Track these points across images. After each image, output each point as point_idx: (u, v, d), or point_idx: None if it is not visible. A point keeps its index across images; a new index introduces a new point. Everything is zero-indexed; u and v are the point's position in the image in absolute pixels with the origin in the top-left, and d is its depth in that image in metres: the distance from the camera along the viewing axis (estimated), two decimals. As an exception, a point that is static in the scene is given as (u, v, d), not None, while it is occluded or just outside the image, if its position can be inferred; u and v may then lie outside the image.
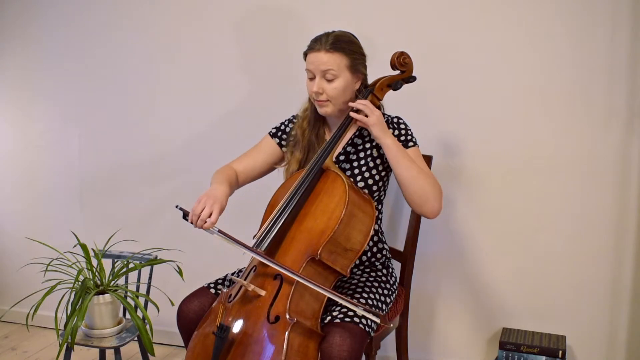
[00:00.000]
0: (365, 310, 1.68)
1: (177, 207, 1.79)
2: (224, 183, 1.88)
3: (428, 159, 2.18)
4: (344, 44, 1.86)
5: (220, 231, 1.75)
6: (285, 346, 1.57)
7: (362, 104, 1.83)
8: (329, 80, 1.86)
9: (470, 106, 2.35)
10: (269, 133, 2.09)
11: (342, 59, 1.85)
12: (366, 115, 1.82)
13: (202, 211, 1.75)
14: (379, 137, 1.81)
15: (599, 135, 2.23)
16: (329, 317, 1.72)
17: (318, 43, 1.86)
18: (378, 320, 1.67)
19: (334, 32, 1.89)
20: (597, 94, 2.21)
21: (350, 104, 1.87)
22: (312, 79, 1.89)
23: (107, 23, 2.77)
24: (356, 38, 1.93)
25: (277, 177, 2.09)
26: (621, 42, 2.17)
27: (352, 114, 1.84)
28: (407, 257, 2.21)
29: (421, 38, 2.36)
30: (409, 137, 1.92)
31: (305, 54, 1.91)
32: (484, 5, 2.29)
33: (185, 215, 1.77)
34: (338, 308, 1.75)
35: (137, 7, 2.71)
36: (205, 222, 1.74)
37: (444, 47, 2.35)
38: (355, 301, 1.72)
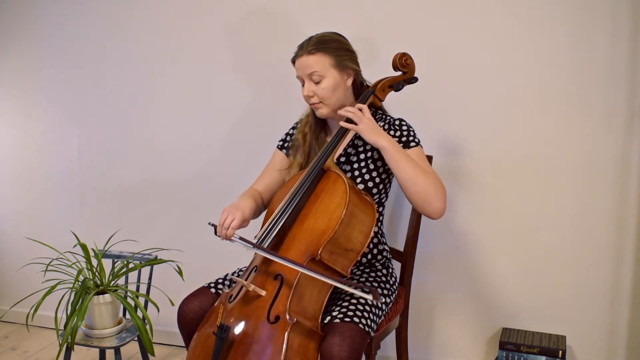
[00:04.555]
0: (355, 287, 1.66)
1: (210, 224, 1.85)
2: (248, 198, 1.93)
3: (428, 159, 2.17)
4: (325, 44, 1.87)
5: (241, 238, 1.77)
6: (285, 346, 1.57)
7: (350, 111, 1.83)
8: (317, 82, 1.87)
9: (470, 106, 2.35)
10: (277, 146, 2.11)
11: (325, 58, 1.86)
12: (356, 123, 1.82)
13: (224, 221, 1.81)
14: (373, 141, 1.80)
15: (599, 135, 2.23)
16: (329, 317, 1.72)
17: (300, 48, 1.89)
18: (370, 297, 1.61)
19: (315, 35, 1.91)
20: (597, 94, 2.22)
21: (340, 112, 1.86)
22: (303, 84, 1.91)
23: (107, 24, 2.77)
24: (341, 36, 1.94)
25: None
26: (621, 42, 2.17)
27: (342, 124, 1.85)
28: (407, 257, 2.21)
29: (422, 39, 2.36)
30: (411, 138, 1.91)
31: (293, 62, 1.93)
32: (484, 6, 2.29)
33: (216, 230, 1.83)
34: (338, 308, 1.75)
35: (137, 7, 2.71)
36: (227, 230, 1.80)
37: (445, 48, 2.35)
38: (348, 281, 1.71)
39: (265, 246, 1.74)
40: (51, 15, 2.84)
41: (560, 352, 2.20)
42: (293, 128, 2.09)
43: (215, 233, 1.83)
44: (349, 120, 1.85)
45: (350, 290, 1.65)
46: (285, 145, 2.08)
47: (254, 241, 1.76)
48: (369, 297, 1.61)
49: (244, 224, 1.84)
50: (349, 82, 1.93)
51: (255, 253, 1.82)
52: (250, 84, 2.62)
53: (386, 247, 2.04)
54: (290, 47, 1.97)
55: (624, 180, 2.23)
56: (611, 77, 2.19)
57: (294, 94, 2.08)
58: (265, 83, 2.59)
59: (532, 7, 2.24)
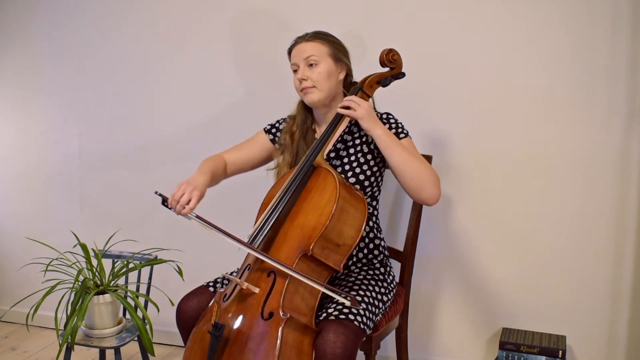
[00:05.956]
0: (331, 290, 1.67)
1: (156, 193, 1.80)
2: (206, 173, 1.92)
3: (428, 159, 2.18)
4: (323, 35, 1.96)
5: (198, 216, 1.77)
6: (279, 342, 1.57)
7: (349, 99, 1.86)
8: (312, 66, 1.91)
9: (470, 106, 2.35)
10: (264, 129, 2.12)
11: (322, 46, 1.93)
12: (354, 110, 1.84)
13: (181, 197, 1.78)
14: (368, 128, 1.83)
15: (599, 135, 2.23)
16: (324, 314, 1.73)
17: (299, 38, 1.97)
18: (348, 303, 1.64)
19: (313, 30, 1.98)
20: (597, 94, 2.22)
21: (339, 108, 1.88)
22: (296, 71, 1.95)
23: (107, 23, 2.77)
24: (336, 37, 2.00)
25: (272, 178, 2.10)
26: (621, 42, 2.17)
27: (339, 110, 1.86)
28: (407, 257, 2.21)
29: (422, 38, 2.36)
30: (400, 130, 1.94)
31: (289, 52, 1.98)
32: (484, 5, 2.29)
33: (165, 201, 1.80)
34: (333, 305, 1.76)
35: (137, 7, 2.72)
36: (184, 208, 1.77)
37: (444, 47, 2.35)
38: (334, 288, 1.71)
39: (257, 244, 1.75)
40: (51, 15, 2.84)
41: (560, 352, 2.20)
42: (284, 120, 2.10)
43: (163, 203, 1.79)
44: (346, 108, 1.87)
45: (330, 293, 1.67)
46: (272, 130, 2.10)
47: (246, 240, 1.76)
48: (347, 302, 1.64)
49: (199, 202, 1.82)
50: (342, 75, 1.97)
51: (248, 252, 1.82)
52: (249, 82, 2.62)
53: (383, 243, 2.05)
54: (282, 45, 2.00)
55: (624, 180, 2.23)
56: (611, 77, 2.19)
57: (291, 92, 2.08)
58: (264, 81, 2.60)
59: (532, 6, 2.24)
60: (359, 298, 1.80)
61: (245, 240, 1.76)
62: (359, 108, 1.83)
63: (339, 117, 1.89)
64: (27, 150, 2.99)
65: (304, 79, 1.92)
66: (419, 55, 2.21)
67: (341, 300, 1.67)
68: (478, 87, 2.34)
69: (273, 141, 2.09)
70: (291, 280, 1.67)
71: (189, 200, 1.78)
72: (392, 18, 2.39)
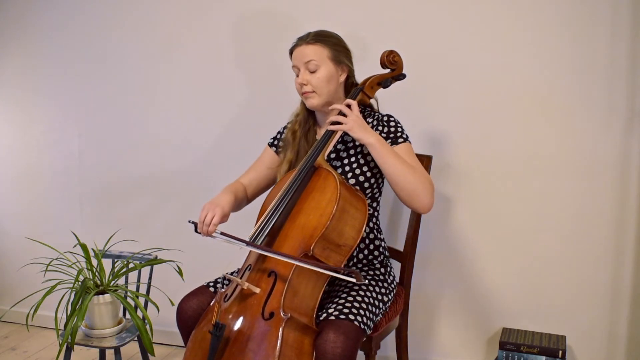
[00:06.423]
0: (335, 271, 1.66)
1: (189, 221, 1.85)
2: (228, 193, 1.95)
3: (428, 159, 2.18)
4: (325, 37, 1.94)
5: (222, 233, 1.78)
6: (279, 342, 1.58)
7: (336, 108, 1.87)
8: (312, 72, 1.91)
9: (470, 106, 2.35)
10: (268, 143, 2.13)
11: (323, 49, 1.91)
12: (342, 124, 1.84)
13: (205, 218, 1.81)
14: (360, 138, 1.83)
15: (599, 136, 2.23)
16: (324, 314, 1.73)
17: (299, 39, 1.95)
18: (355, 280, 1.61)
19: (315, 30, 1.96)
20: (597, 94, 2.22)
21: (328, 125, 1.87)
22: (298, 74, 1.94)
23: (107, 23, 2.77)
24: (339, 36, 1.99)
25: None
26: (621, 42, 2.17)
27: (330, 127, 1.86)
28: (406, 257, 2.21)
29: (422, 38, 2.36)
30: (399, 134, 1.94)
31: (291, 52, 1.97)
32: (484, 5, 2.29)
33: (197, 227, 1.84)
34: (334, 305, 1.76)
35: (137, 7, 2.71)
36: (209, 227, 1.80)
37: (444, 47, 2.35)
38: (336, 267, 1.72)
39: (259, 244, 1.75)
40: (51, 15, 2.84)
41: (560, 352, 2.20)
42: (285, 127, 2.11)
43: (196, 230, 1.84)
44: (335, 122, 1.86)
45: (335, 275, 1.65)
46: (276, 142, 2.11)
47: (247, 239, 1.76)
48: (353, 279, 1.61)
49: (224, 219, 1.85)
50: (342, 77, 1.97)
51: (250, 251, 1.83)
52: (249, 83, 2.62)
53: (383, 244, 2.05)
54: (283, 45, 2.00)
55: (624, 180, 2.23)
56: (611, 77, 2.19)
57: (292, 94, 2.09)
58: (264, 82, 2.60)
59: (532, 7, 2.24)
60: (359, 299, 1.80)
61: (234, 236, 1.76)
62: (347, 121, 1.83)
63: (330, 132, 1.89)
64: (27, 150, 2.99)
65: (304, 84, 1.92)
66: (419, 56, 2.21)
67: (347, 279, 1.64)
68: (478, 88, 2.34)
69: (277, 152, 2.09)
70: (292, 280, 1.67)
71: (212, 219, 1.81)
72: (392, 18, 2.39)
